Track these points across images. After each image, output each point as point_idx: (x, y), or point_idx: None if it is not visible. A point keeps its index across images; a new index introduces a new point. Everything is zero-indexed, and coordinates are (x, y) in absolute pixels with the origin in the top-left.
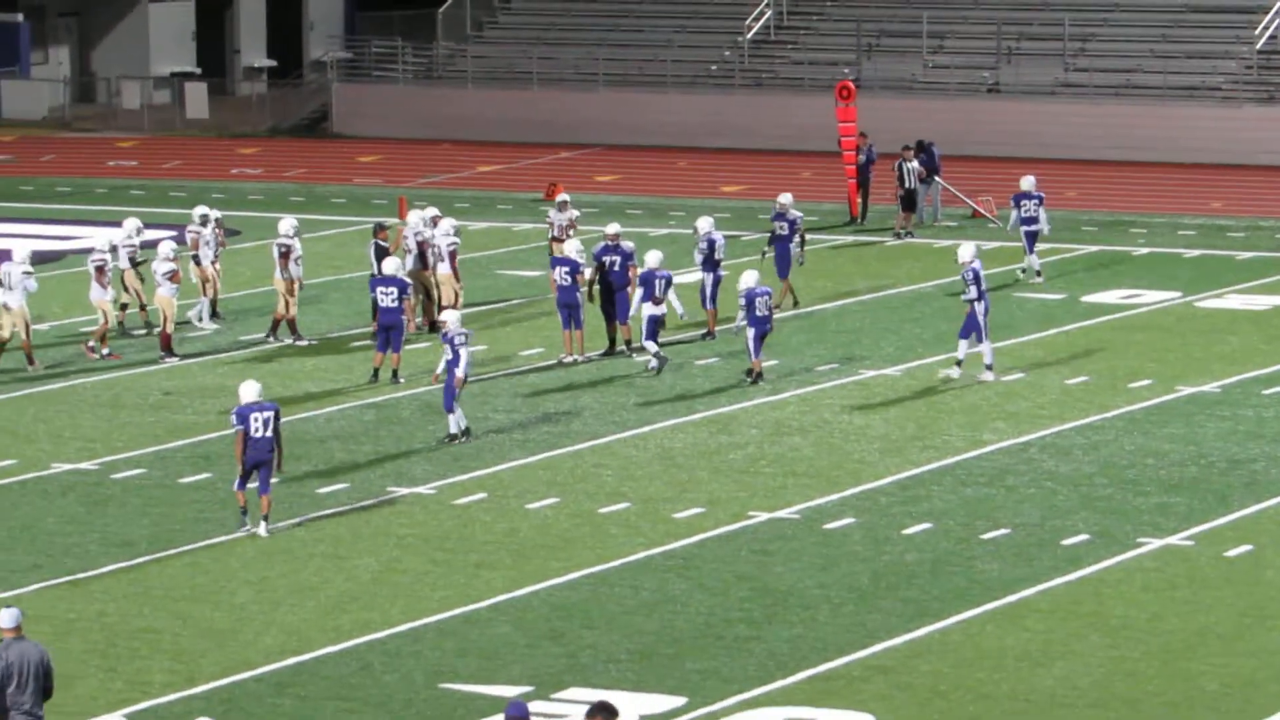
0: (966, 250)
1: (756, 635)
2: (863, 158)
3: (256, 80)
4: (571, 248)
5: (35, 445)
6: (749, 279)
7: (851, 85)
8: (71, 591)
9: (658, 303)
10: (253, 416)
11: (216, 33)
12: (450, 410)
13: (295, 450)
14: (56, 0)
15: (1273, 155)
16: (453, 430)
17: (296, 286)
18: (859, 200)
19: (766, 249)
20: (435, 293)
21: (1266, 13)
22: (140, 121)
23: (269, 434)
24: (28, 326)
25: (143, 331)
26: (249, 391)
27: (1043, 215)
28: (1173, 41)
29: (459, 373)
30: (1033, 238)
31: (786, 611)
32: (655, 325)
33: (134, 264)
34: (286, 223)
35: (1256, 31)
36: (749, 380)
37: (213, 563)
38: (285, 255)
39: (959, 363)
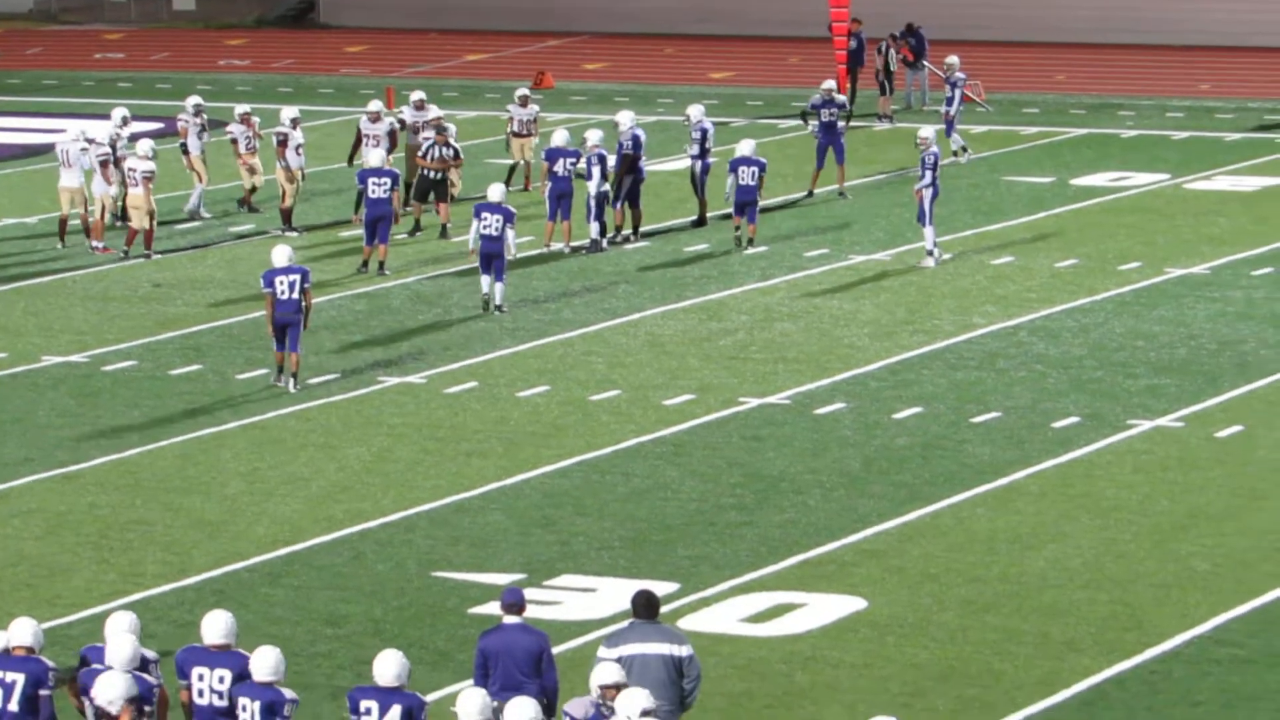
0: (928, 130)
1: (748, 521)
2: (853, 43)
3: None
4: (560, 138)
5: (25, 339)
6: (743, 147)
7: None
8: (63, 484)
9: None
10: (278, 279)
11: None
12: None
13: None
14: None
15: (1262, 36)
16: (486, 293)
17: (299, 176)
18: (848, 86)
19: (813, 128)
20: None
21: None
22: (127, 13)
23: (295, 295)
24: (86, 204)
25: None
26: (280, 255)
27: (957, 96)
28: None
29: (511, 251)
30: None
31: (778, 497)
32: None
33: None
34: (286, 112)
35: None
36: (736, 242)
37: (204, 454)
38: (283, 144)
39: (930, 251)
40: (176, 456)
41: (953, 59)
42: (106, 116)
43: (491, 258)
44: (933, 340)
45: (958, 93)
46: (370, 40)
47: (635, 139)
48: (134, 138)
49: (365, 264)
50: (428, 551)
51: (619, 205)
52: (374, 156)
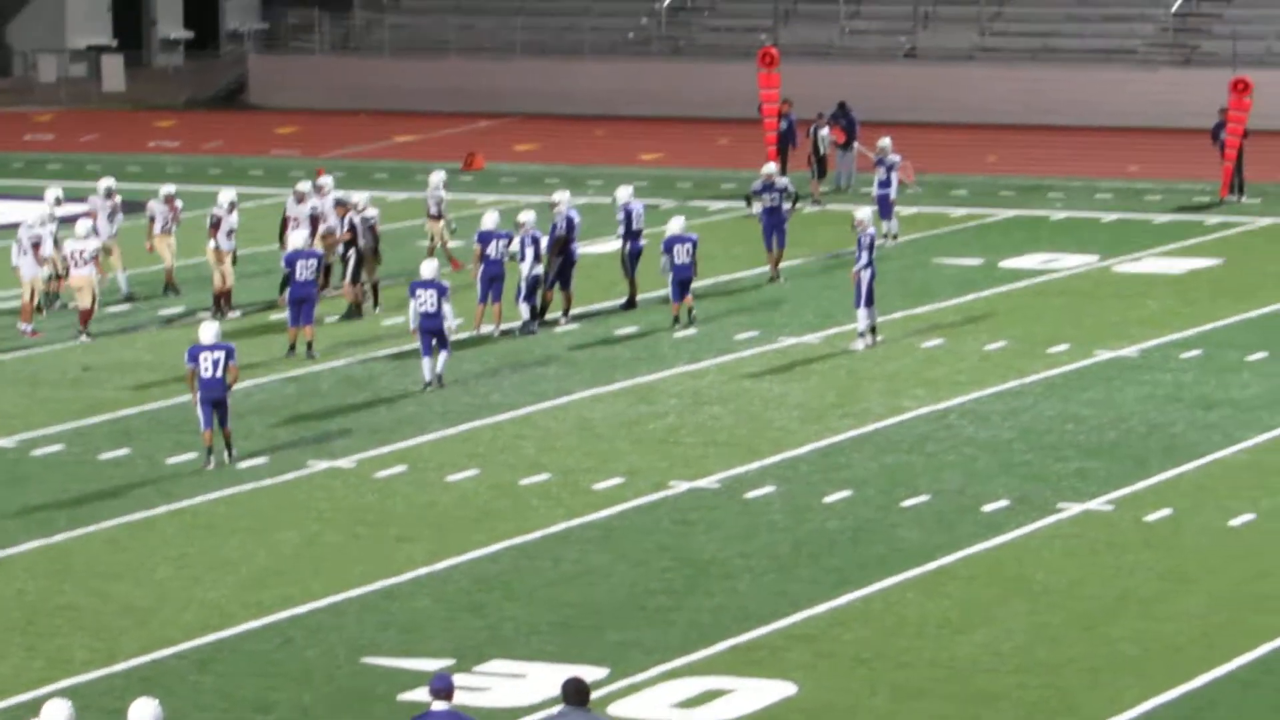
0: (866, 213)
1: (678, 605)
2: (784, 125)
3: (173, 52)
4: (490, 220)
5: None
6: (673, 225)
7: (774, 51)
8: None
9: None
10: (203, 355)
11: (133, 5)
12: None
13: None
14: None
15: (1189, 118)
16: (427, 378)
17: (229, 259)
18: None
19: (752, 212)
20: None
21: None
22: (57, 95)
23: (219, 375)
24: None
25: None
26: (207, 333)
27: (892, 179)
28: (1089, 5)
29: (449, 323)
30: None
31: (708, 581)
32: (533, 285)
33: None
34: (224, 195)
35: None
36: (674, 324)
37: (132, 539)
38: (215, 226)
39: (861, 334)
40: (105, 541)
41: (885, 140)
42: (37, 198)
43: (431, 334)
44: (863, 424)
45: (893, 175)
46: (300, 121)
47: (569, 220)
48: (65, 220)
49: (293, 347)
50: (357, 637)
51: (550, 287)
52: (297, 238)
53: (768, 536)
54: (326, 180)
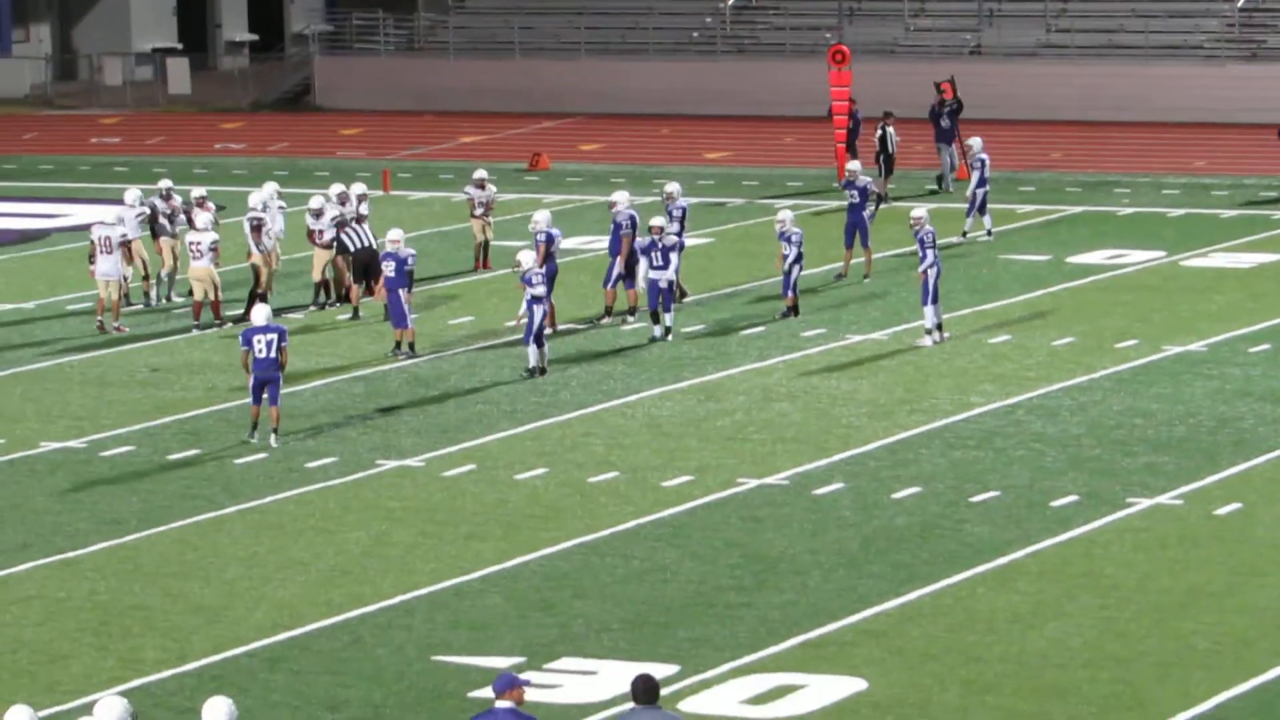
0: (921, 210)
1: (747, 602)
2: (852, 123)
3: (238, 55)
4: (544, 218)
5: (23, 424)
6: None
7: (846, 50)
8: (62, 570)
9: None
10: (256, 338)
11: (198, 7)
12: (528, 344)
13: (286, 426)
14: None
15: (1255, 113)
16: (531, 364)
17: (275, 259)
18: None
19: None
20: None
21: None
22: (123, 98)
23: (272, 354)
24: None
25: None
26: (258, 315)
27: (976, 177)
28: (1154, 0)
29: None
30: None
31: (777, 578)
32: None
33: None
34: (256, 195)
35: None
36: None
37: (202, 539)
38: (257, 229)
39: (929, 330)
40: (175, 541)
41: (975, 140)
42: (105, 201)
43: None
44: (931, 420)
45: (977, 174)
46: (366, 123)
47: (632, 219)
48: (172, 214)
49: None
50: (427, 635)
51: (614, 285)
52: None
53: (837, 533)
54: (353, 190)
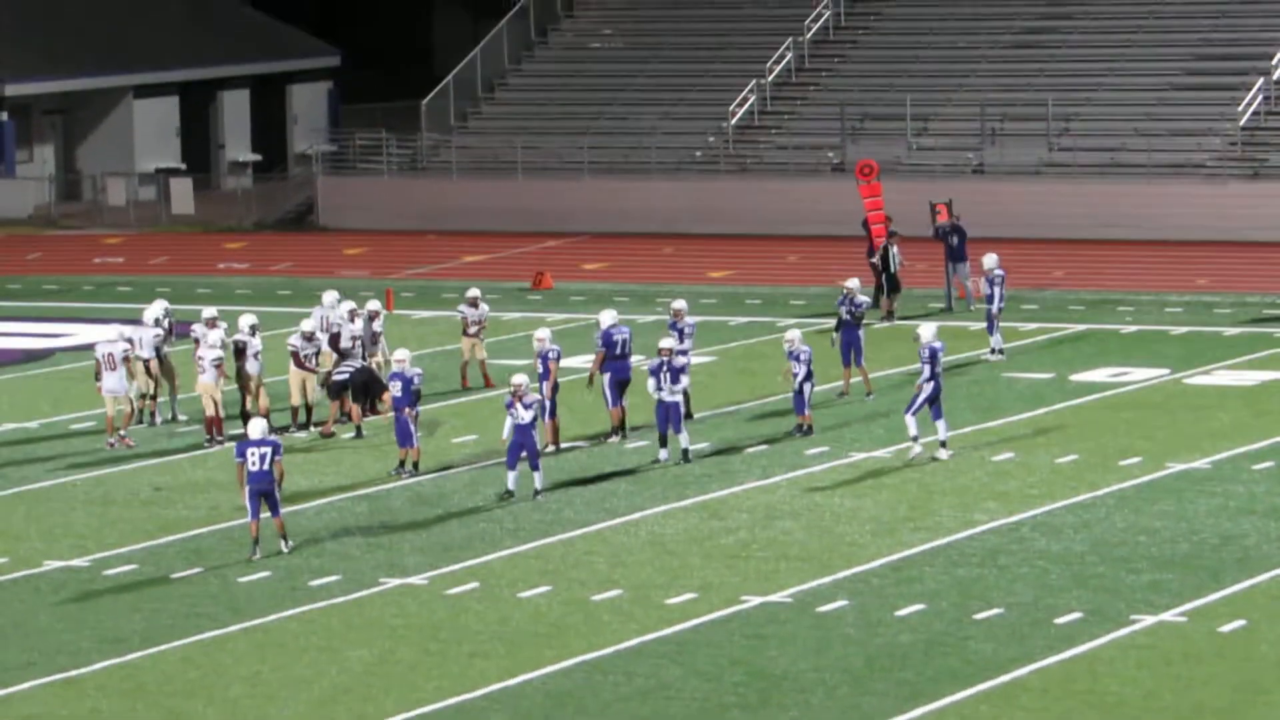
0: (928, 330)
1: None
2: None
3: (241, 175)
4: (545, 335)
5: (26, 543)
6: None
7: (874, 163)
8: (65, 689)
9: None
10: (250, 451)
11: (201, 128)
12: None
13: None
14: (42, 98)
15: (1258, 231)
16: (510, 487)
17: (258, 384)
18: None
19: (835, 336)
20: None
21: (1249, 89)
22: (126, 218)
23: (265, 468)
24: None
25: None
26: (254, 429)
27: (997, 294)
28: (1157, 119)
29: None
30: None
31: (781, 695)
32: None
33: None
34: (245, 319)
35: (1240, 108)
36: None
37: (205, 657)
38: (241, 353)
39: (915, 438)
40: (178, 660)
41: (992, 256)
42: (107, 319)
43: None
44: (934, 537)
45: (998, 290)
46: (369, 242)
47: (618, 336)
48: (174, 331)
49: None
50: None
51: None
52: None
53: (841, 650)
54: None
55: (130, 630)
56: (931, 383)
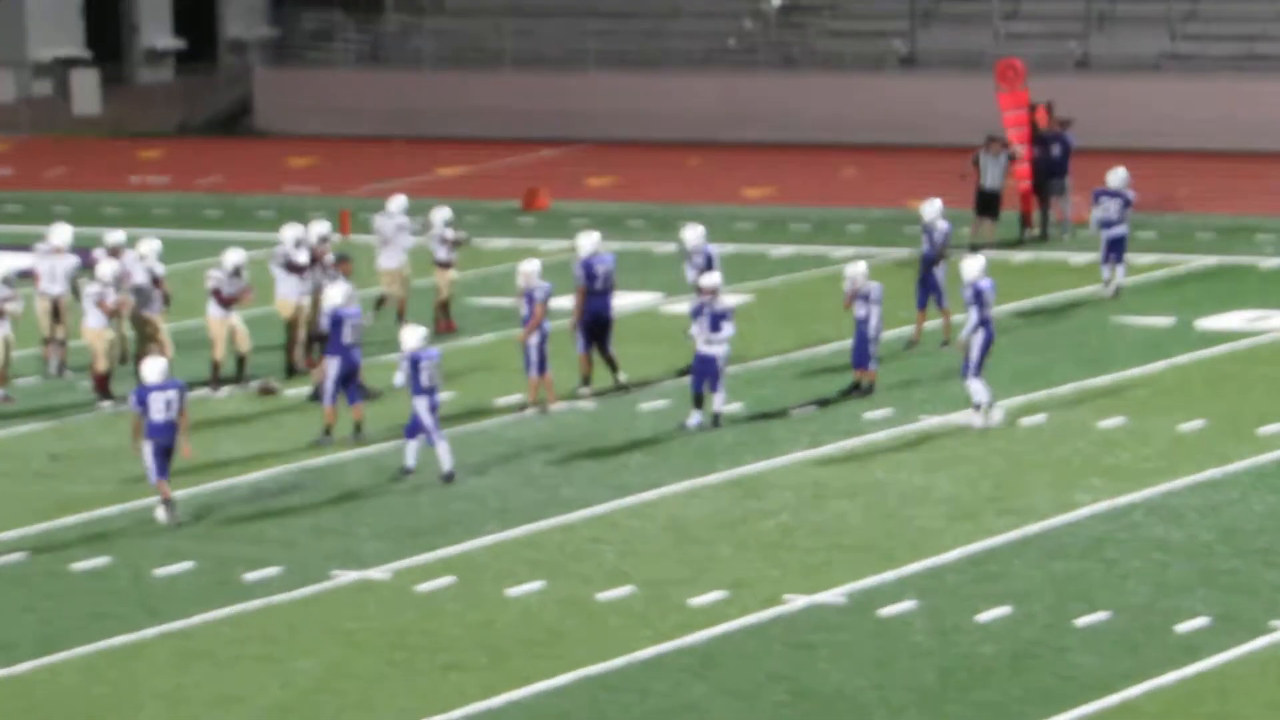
0: (974, 265)
1: None
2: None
3: (160, 66)
4: (533, 268)
5: None
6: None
7: (1019, 63)
8: None
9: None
10: (153, 397)
11: (110, 6)
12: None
13: (218, 530)
14: None
15: None
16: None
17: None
18: (1036, 207)
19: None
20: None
21: None
22: (16, 118)
23: (171, 416)
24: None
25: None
26: (153, 371)
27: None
28: None
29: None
30: (1116, 246)
31: (833, 719)
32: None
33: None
34: (231, 256)
35: None
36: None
37: (113, 669)
38: (218, 294)
39: (985, 404)
40: (79, 672)
41: (1120, 171)
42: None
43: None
44: (1025, 523)
45: (1122, 214)
46: (319, 151)
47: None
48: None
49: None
50: None
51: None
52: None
53: (908, 663)
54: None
55: (20, 634)
56: (982, 329)
